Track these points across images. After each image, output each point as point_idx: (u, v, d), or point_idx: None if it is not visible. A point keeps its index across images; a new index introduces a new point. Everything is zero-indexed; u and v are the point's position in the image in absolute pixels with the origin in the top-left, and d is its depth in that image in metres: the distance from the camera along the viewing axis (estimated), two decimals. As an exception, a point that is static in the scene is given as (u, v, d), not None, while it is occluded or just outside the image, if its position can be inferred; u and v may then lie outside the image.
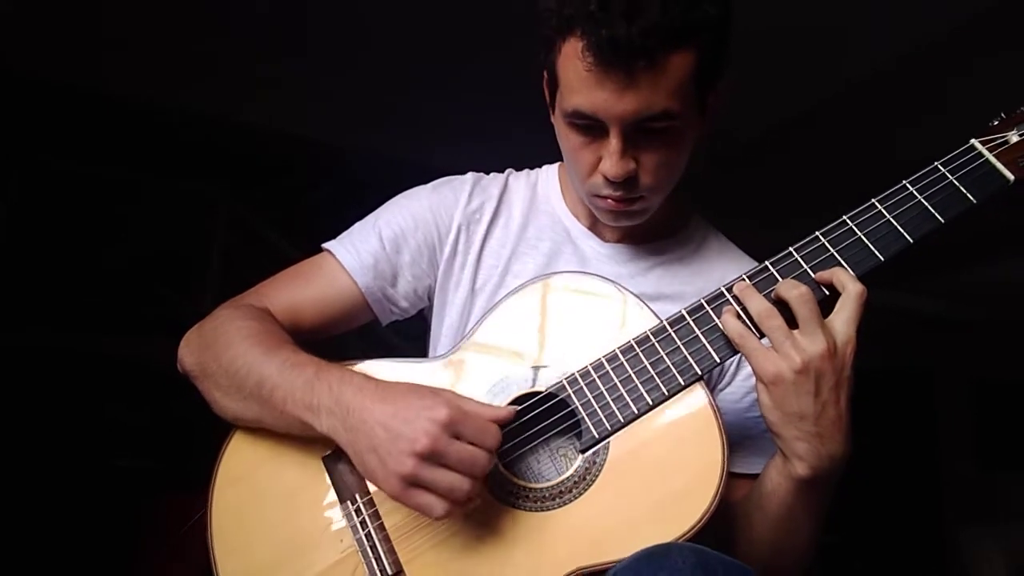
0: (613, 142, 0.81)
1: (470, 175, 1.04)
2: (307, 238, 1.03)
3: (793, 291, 0.75)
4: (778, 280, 0.79)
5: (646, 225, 0.95)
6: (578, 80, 0.79)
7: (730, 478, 0.88)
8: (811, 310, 0.74)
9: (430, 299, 1.02)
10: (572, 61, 0.79)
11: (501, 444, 0.77)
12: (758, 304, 0.77)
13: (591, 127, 0.82)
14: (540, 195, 1.03)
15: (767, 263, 0.80)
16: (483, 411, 0.76)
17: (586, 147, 0.85)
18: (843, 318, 0.74)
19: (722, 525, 0.85)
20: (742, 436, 0.92)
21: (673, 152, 0.85)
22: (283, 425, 0.83)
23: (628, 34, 0.73)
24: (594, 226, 1.00)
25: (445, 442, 0.72)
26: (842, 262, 0.78)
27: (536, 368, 0.84)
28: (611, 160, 0.82)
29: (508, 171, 1.07)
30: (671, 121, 0.80)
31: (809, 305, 0.74)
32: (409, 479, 0.72)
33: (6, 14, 2.82)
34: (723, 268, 0.98)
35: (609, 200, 0.87)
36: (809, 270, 0.79)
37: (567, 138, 0.87)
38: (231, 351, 0.86)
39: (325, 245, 1.01)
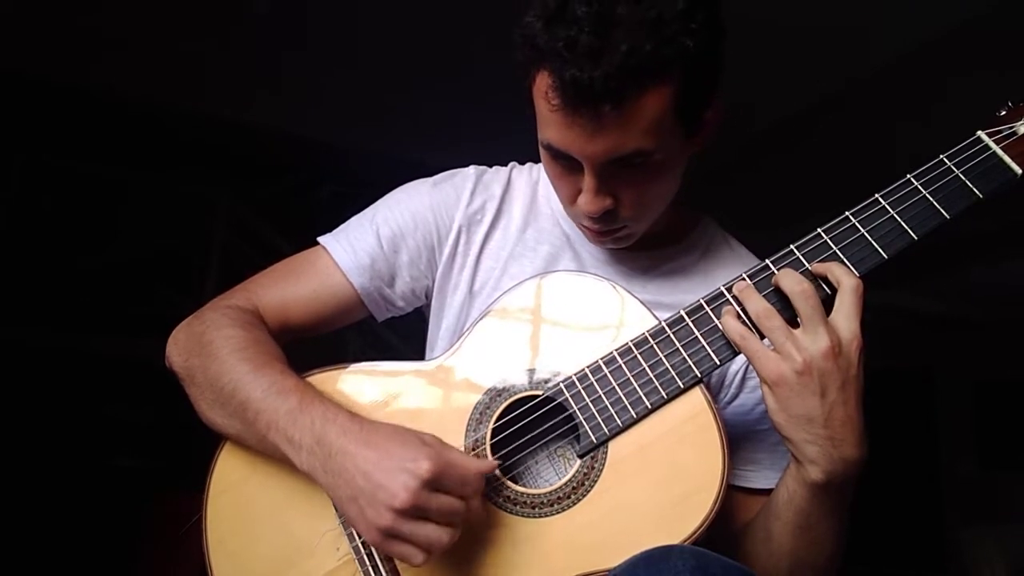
0: (587, 180, 0.80)
1: (472, 170, 1.01)
2: (307, 238, 1.02)
3: (796, 287, 0.73)
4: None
5: (646, 234, 0.92)
6: (549, 116, 0.77)
7: (745, 494, 0.88)
8: (813, 307, 0.72)
9: (427, 298, 1.00)
10: (543, 96, 0.77)
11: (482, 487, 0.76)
12: (757, 304, 0.75)
13: (567, 159, 0.80)
14: (541, 195, 1.01)
15: (767, 261, 0.79)
16: (468, 463, 0.74)
17: (564, 177, 0.83)
18: (843, 314, 0.72)
19: (741, 542, 0.84)
20: (755, 450, 0.91)
21: (653, 184, 0.83)
22: (264, 449, 0.82)
23: (591, 77, 0.70)
24: None
25: (425, 497, 0.70)
26: (845, 260, 0.77)
27: (533, 371, 0.83)
28: (586, 198, 0.81)
29: (512, 165, 1.04)
30: (648, 157, 0.77)
31: (811, 302, 0.72)
32: (387, 532, 0.71)
33: (6, 14, 2.82)
34: (728, 275, 0.93)
35: (589, 230, 0.87)
36: (811, 268, 0.77)
37: (546, 165, 0.86)
38: (217, 364, 0.84)
39: (320, 239, 0.98)
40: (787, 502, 0.77)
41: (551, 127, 0.78)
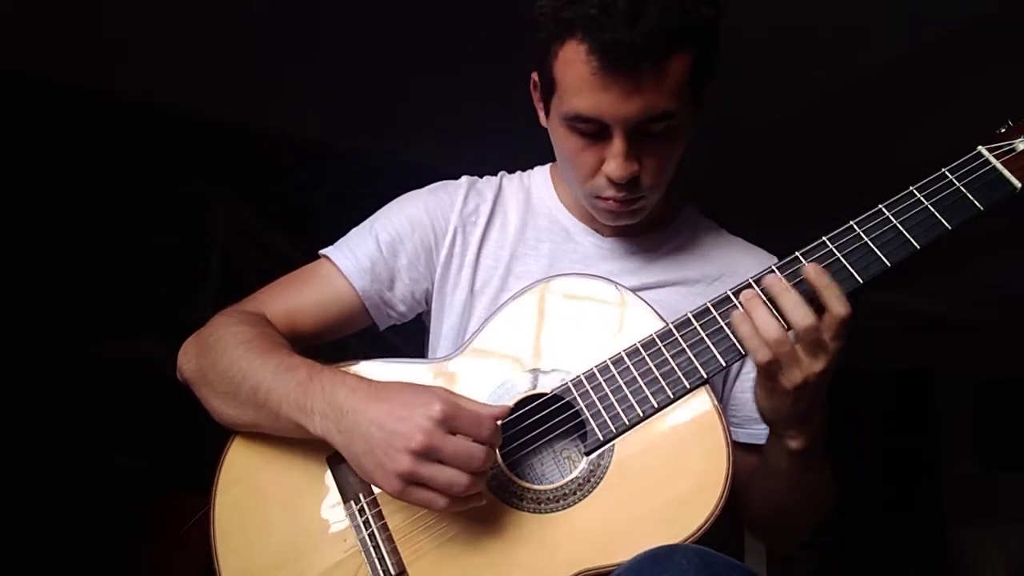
0: (617, 144, 0.82)
1: (464, 179, 1.05)
2: (307, 238, 1.03)
3: (802, 323, 0.74)
4: (784, 284, 0.78)
5: (644, 218, 0.95)
6: (581, 83, 0.79)
7: (745, 450, 0.91)
8: (815, 340, 0.74)
9: (428, 303, 1.03)
10: (573, 65, 0.79)
11: (500, 439, 0.77)
12: (766, 322, 0.76)
13: (593, 130, 0.83)
14: (535, 197, 1.04)
15: (773, 267, 0.80)
16: (478, 406, 0.76)
17: (587, 150, 0.85)
18: (830, 337, 0.75)
19: (744, 495, 0.90)
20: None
21: (672, 150, 0.87)
22: (279, 429, 0.84)
23: (631, 37, 0.74)
24: (592, 222, 1.01)
25: (440, 437, 0.72)
26: (848, 266, 0.78)
27: (539, 371, 0.84)
28: (616, 162, 0.83)
29: (501, 173, 1.07)
30: (671, 121, 0.81)
31: (813, 335, 0.74)
32: (407, 476, 0.72)
33: (6, 14, 2.82)
34: (722, 252, 1.01)
35: (611, 201, 0.88)
36: (808, 278, 0.78)
37: (566, 141, 0.87)
38: (227, 357, 0.86)
39: (322, 251, 1.01)
40: (775, 467, 0.84)
41: (583, 94, 0.80)
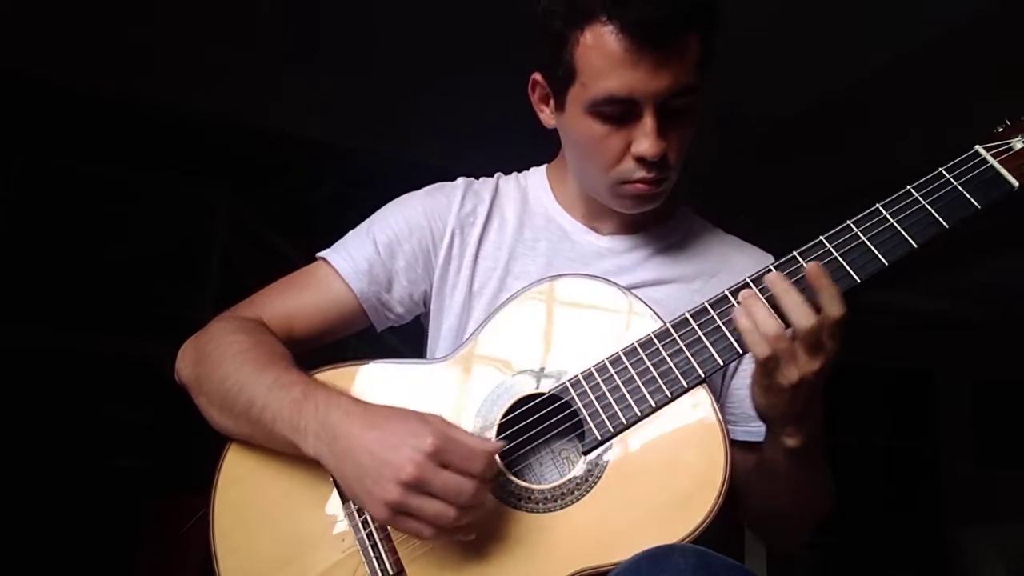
0: (648, 122, 0.84)
1: (461, 180, 1.05)
2: (307, 238, 1.03)
3: (804, 322, 0.74)
4: (786, 284, 0.78)
5: (640, 215, 0.96)
6: (609, 64, 0.81)
7: (743, 448, 0.91)
8: (815, 341, 0.74)
9: (426, 305, 1.03)
10: (598, 48, 0.81)
11: (494, 473, 0.76)
12: (764, 319, 0.76)
13: (620, 112, 0.84)
14: (531, 197, 1.04)
15: (771, 266, 0.80)
16: (472, 440, 0.75)
17: (613, 135, 0.86)
18: (828, 336, 0.75)
19: (744, 494, 0.90)
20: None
21: (691, 128, 0.88)
22: (273, 444, 0.84)
23: (657, 16, 0.78)
24: (589, 221, 1.01)
25: (431, 471, 0.72)
26: (846, 266, 0.79)
27: (537, 371, 0.84)
28: (649, 140, 0.84)
29: (497, 175, 1.08)
30: (692, 96, 0.84)
31: (813, 337, 0.74)
32: (395, 507, 0.72)
33: (6, 14, 2.82)
34: (718, 249, 1.02)
35: (639, 184, 0.89)
36: (807, 275, 0.78)
37: (589, 130, 0.87)
38: (223, 368, 0.86)
39: (320, 254, 1.01)
40: (773, 467, 0.84)
41: (613, 74, 0.81)
